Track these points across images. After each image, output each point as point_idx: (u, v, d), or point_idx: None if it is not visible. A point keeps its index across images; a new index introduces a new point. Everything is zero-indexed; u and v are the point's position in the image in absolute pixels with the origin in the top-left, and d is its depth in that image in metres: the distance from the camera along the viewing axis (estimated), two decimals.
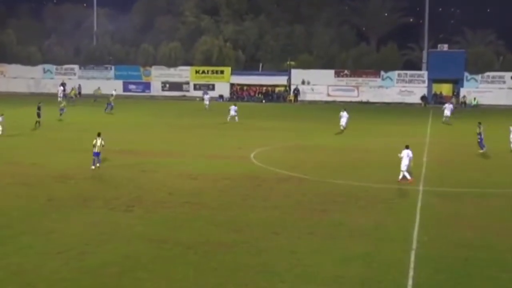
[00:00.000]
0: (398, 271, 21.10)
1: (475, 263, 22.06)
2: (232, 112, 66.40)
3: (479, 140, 46.15)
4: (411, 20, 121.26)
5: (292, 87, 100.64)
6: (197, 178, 36.12)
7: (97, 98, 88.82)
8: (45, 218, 27.53)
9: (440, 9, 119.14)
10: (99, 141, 37.78)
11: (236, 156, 43.99)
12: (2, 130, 52.09)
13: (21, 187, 33.72)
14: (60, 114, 65.03)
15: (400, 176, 35.30)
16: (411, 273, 20.92)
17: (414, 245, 23.84)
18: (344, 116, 59.09)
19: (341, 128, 58.19)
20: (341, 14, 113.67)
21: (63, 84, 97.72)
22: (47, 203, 30.10)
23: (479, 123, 46.99)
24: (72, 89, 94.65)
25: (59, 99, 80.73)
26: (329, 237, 24.89)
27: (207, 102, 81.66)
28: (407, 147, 35.70)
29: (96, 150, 37.79)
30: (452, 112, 70.80)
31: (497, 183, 35.80)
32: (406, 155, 35.26)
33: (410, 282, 20.14)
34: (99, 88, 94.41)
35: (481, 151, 45.67)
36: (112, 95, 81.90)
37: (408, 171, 35.41)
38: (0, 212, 28.32)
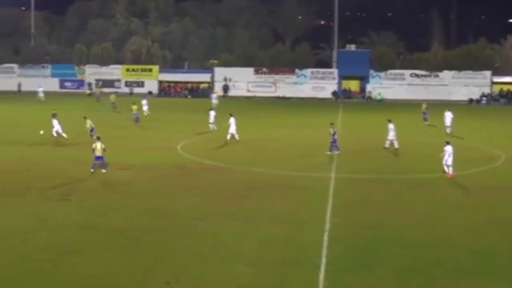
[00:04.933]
0: (313, 250, 21.12)
1: (381, 242, 22.27)
2: (212, 119, 53.27)
3: (332, 141, 41.17)
4: (322, 22, 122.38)
5: (218, 84, 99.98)
6: (128, 169, 35.45)
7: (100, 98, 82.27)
8: None
9: (348, 13, 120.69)
10: (99, 145, 33.93)
11: (164, 148, 43.41)
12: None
13: None
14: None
15: (450, 171, 33.79)
16: (324, 252, 21.00)
17: (327, 227, 23.90)
18: (232, 124, 46.96)
19: (228, 137, 46.52)
20: (259, 17, 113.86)
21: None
22: None
23: (331, 123, 42.90)
24: (98, 87, 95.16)
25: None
26: (250, 222, 24.74)
27: (145, 108, 63.93)
28: (448, 143, 34.16)
29: (97, 154, 33.79)
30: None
31: (400, 170, 36.29)
32: (448, 151, 33.77)
33: (323, 260, 20.20)
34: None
35: (329, 152, 40.76)
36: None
37: (452, 165, 33.80)
38: None
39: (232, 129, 47.12)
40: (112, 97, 71.84)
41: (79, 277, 18.71)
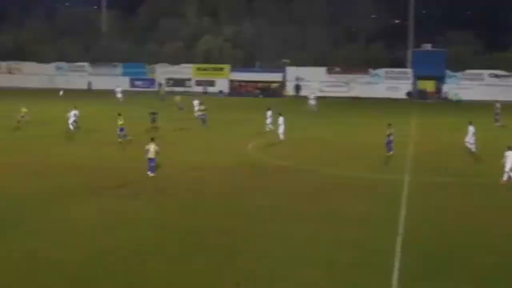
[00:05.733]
0: (386, 255, 20.90)
1: (458, 247, 21.87)
2: (269, 119, 51.75)
3: (387, 142, 40.55)
4: (397, 21, 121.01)
5: (291, 84, 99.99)
6: (198, 168, 35.77)
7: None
8: (57, 205, 27.38)
9: (424, 11, 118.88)
10: (152, 147, 33.38)
11: (234, 148, 43.59)
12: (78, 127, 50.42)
13: (33, 175, 33.59)
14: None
15: (505, 177, 32.82)
16: (398, 256, 20.75)
17: (400, 231, 23.61)
18: (282, 123, 46.90)
19: (282, 137, 46.46)
20: (332, 15, 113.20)
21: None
22: (59, 191, 29.85)
23: (389, 124, 41.55)
24: (168, 86, 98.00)
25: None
26: (322, 223, 24.65)
27: (196, 108, 60.41)
28: (510, 148, 32.94)
29: (150, 156, 33.36)
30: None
31: (478, 173, 35.54)
32: (510, 156, 32.74)
33: (396, 264, 19.97)
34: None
35: (390, 153, 40.23)
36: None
37: (508, 171, 32.83)
38: (14, 199, 28.20)
39: (281, 129, 46.72)
40: (178, 98, 71.78)
41: (149, 277, 18.97)
